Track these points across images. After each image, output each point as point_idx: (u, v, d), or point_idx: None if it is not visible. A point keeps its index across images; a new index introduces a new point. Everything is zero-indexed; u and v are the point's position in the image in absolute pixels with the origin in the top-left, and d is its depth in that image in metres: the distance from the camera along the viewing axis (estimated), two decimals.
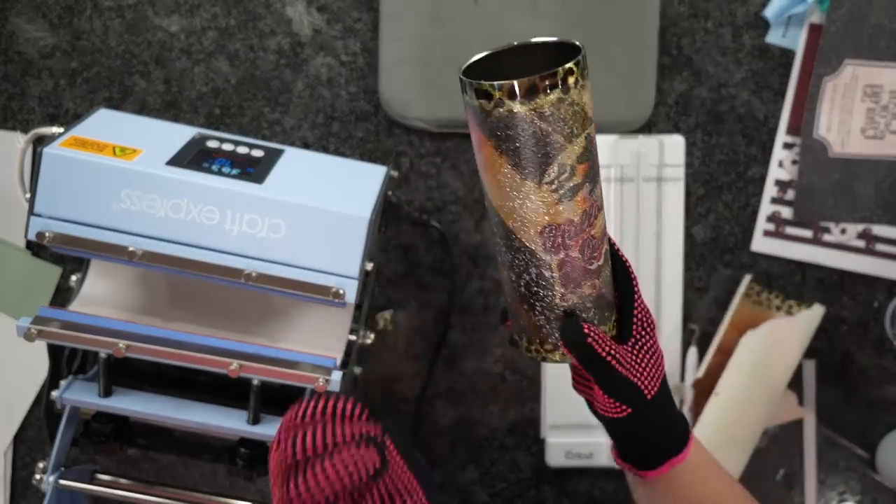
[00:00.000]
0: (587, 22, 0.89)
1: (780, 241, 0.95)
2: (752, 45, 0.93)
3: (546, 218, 0.52)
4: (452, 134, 0.93)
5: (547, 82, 0.47)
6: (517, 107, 0.48)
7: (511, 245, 0.54)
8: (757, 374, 0.93)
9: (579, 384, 0.63)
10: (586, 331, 0.55)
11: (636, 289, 0.59)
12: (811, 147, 0.92)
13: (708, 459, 0.63)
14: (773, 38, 0.93)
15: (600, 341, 0.56)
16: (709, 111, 0.94)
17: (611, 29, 0.89)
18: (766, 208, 0.95)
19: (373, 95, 0.92)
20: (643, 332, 0.58)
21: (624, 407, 0.58)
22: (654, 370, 0.59)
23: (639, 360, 0.58)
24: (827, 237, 0.95)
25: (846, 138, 0.93)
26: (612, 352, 0.56)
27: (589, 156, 0.51)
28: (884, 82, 0.92)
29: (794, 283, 0.96)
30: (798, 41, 0.92)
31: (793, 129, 0.94)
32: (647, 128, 0.93)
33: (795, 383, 0.96)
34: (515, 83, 0.47)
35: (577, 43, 0.50)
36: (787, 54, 0.93)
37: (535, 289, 0.55)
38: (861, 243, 0.95)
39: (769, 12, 0.91)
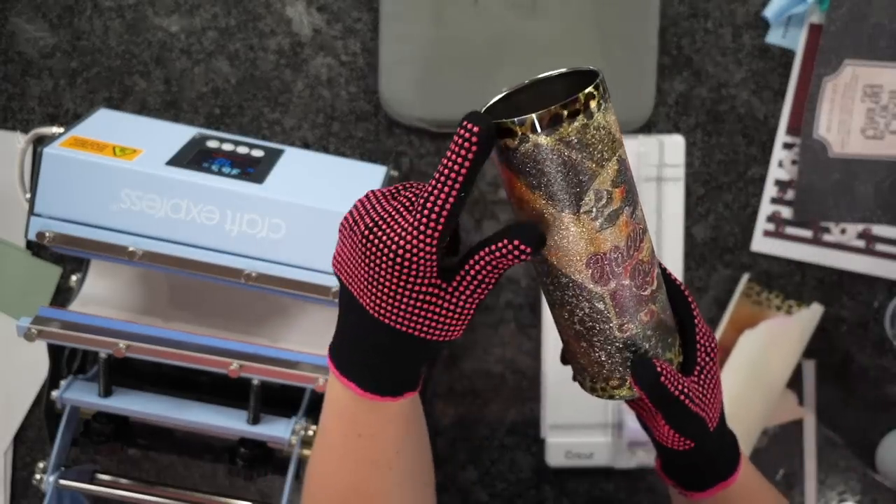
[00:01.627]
0: (587, 22, 0.89)
1: (780, 241, 0.95)
2: (752, 45, 0.93)
3: (590, 248, 0.49)
4: (452, 134, 0.93)
5: (569, 110, 0.46)
6: (542, 139, 0.47)
7: (558, 282, 0.51)
8: (755, 374, 0.93)
9: (643, 414, 0.59)
10: (658, 369, 0.52)
11: (695, 312, 0.56)
12: (811, 147, 0.93)
13: (756, 477, 0.62)
14: (773, 38, 0.93)
15: (672, 379, 0.53)
16: (709, 111, 0.94)
17: (611, 29, 0.89)
18: (766, 208, 0.95)
19: (373, 95, 0.92)
20: (707, 360, 0.55)
21: (688, 441, 0.56)
22: (718, 399, 0.56)
23: (705, 392, 0.55)
24: (827, 237, 0.95)
25: (846, 138, 0.93)
26: (684, 388, 0.53)
27: (624, 178, 0.49)
28: (884, 82, 0.92)
29: (793, 283, 0.96)
30: (798, 41, 0.92)
31: (793, 129, 0.94)
32: (647, 128, 0.93)
33: (795, 383, 0.96)
34: (535, 116, 0.46)
35: (593, 68, 0.49)
36: (787, 54, 0.93)
37: (591, 324, 0.52)
38: (861, 243, 0.95)
39: (769, 12, 0.91)
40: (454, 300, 0.50)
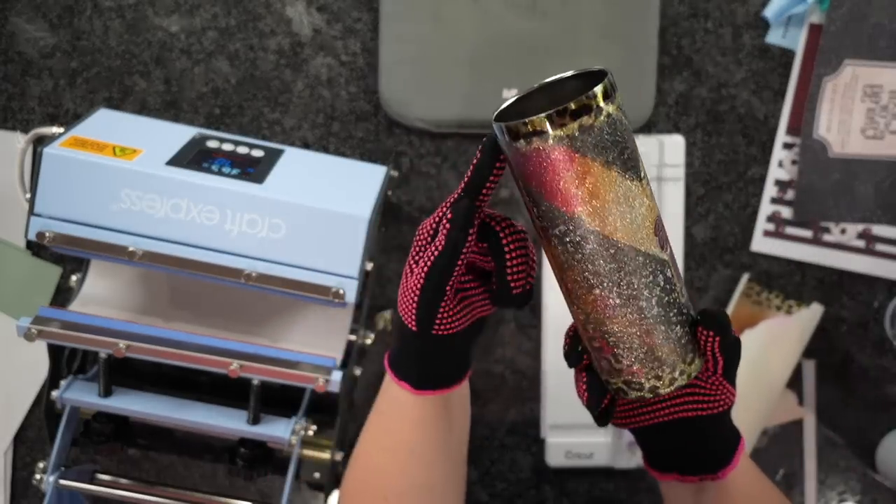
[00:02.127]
0: (587, 22, 0.89)
1: (780, 241, 0.95)
2: (752, 45, 0.93)
3: (653, 213, 0.51)
4: (452, 134, 0.93)
5: (611, 82, 0.48)
6: (611, 108, 0.48)
7: (633, 266, 0.50)
8: (755, 373, 0.93)
9: (665, 412, 0.58)
10: (722, 312, 0.53)
11: None
12: (811, 147, 0.93)
13: (753, 466, 0.62)
14: (773, 38, 0.93)
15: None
16: (709, 111, 0.94)
17: (611, 29, 0.89)
18: (766, 208, 0.95)
19: (373, 95, 0.92)
20: None
21: (733, 394, 0.58)
22: None
23: None
24: (827, 237, 0.95)
25: (846, 138, 0.93)
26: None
27: None
28: (884, 82, 0.92)
29: (793, 283, 0.96)
30: (798, 41, 0.92)
31: (793, 129, 0.94)
32: (647, 128, 0.93)
33: (795, 383, 0.96)
34: (600, 87, 0.47)
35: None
36: (787, 54, 0.93)
37: (667, 298, 0.52)
38: (861, 243, 0.95)
39: (769, 12, 0.91)
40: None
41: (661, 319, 0.52)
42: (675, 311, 0.52)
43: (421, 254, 0.55)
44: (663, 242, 0.51)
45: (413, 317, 0.55)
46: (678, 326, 0.53)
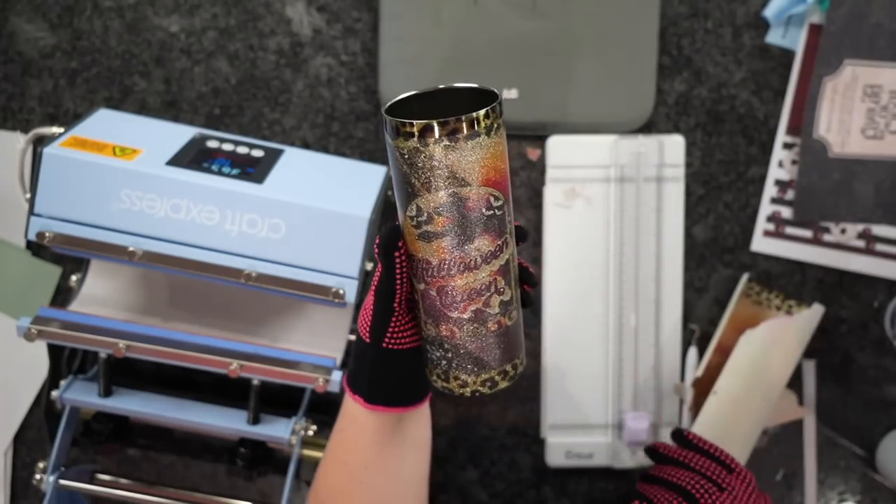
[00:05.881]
0: (587, 22, 0.89)
1: (780, 241, 0.95)
2: (752, 45, 0.93)
3: (409, 246, 0.54)
4: None
5: (403, 130, 0.50)
6: (388, 139, 0.51)
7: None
8: (755, 373, 0.93)
9: None
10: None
11: None
12: (811, 147, 0.93)
13: None
14: (773, 38, 0.93)
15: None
16: (709, 111, 0.94)
17: (611, 29, 0.89)
18: (766, 208, 0.95)
19: (373, 95, 0.92)
20: None
21: None
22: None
23: None
24: (827, 237, 0.95)
25: (846, 138, 0.93)
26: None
27: (453, 213, 0.51)
28: (884, 82, 0.92)
29: (793, 283, 0.96)
30: (798, 41, 0.92)
31: (793, 129, 0.94)
32: (647, 128, 0.94)
33: (795, 383, 0.96)
34: (387, 118, 0.50)
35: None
36: (787, 54, 0.93)
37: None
38: (861, 243, 0.95)
39: (769, 12, 0.91)
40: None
41: None
42: (420, 325, 0.57)
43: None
44: (416, 274, 0.54)
45: (367, 328, 0.58)
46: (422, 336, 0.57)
